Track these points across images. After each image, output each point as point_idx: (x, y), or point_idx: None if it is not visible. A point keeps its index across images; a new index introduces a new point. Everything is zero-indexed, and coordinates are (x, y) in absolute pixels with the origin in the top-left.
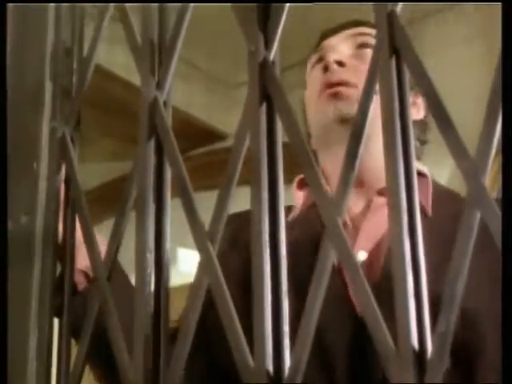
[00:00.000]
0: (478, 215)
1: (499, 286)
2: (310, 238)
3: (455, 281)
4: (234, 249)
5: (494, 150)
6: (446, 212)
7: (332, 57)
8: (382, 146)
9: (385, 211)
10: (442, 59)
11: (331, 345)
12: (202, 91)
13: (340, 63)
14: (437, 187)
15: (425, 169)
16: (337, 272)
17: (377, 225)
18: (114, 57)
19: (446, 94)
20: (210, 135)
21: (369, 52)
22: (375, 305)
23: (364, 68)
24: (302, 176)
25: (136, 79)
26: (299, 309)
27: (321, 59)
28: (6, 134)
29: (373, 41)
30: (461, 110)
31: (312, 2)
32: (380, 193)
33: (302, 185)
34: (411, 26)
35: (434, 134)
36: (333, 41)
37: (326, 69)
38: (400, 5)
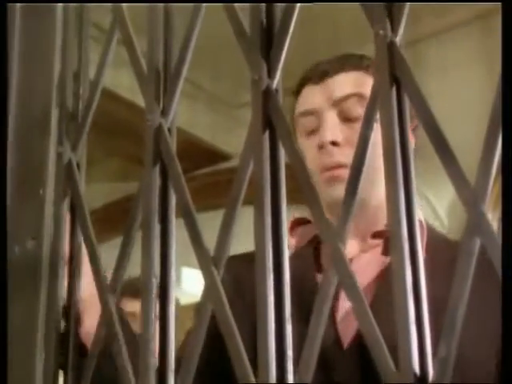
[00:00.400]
0: (478, 242)
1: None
2: (304, 275)
3: (456, 306)
4: (238, 294)
5: (493, 178)
6: (442, 257)
7: (327, 138)
8: (378, 191)
9: (377, 251)
10: (443, 81)
11: (323, 380)
12: (206, 112)
13: (335, 143)
14: (433, 234)
15: (419, 214)
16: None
17: (367, 263)
18: (119, 79)
19: (448, 115)
20: (214, 155)
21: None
22: (377, 328)
23: (355, 137)
24: (292, 219)
25: (140, 100)
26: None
27: (313, 126)
28: (7, 159)
29: (359, 90)
30: (462, 130)
31: (313, 2)
32: (374, 235)
33: (293, 227)
34: (413, 47)
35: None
36: (319, 96)
37: (321, 147)
38: (400, 35)
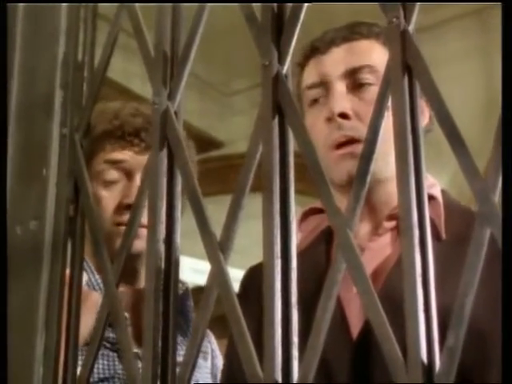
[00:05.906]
0: (488, 232)
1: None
2: (316, 279)
3: (464, 296)
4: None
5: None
6: (460, 233)
7: (336, 109)
8: (392, 170)
9: (390, 234)
10: (437, 75)
11: (330, 371)
12: (198, 99)
13: (344, 115)
14: (450, 206)
15: (435, 190)
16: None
17: (382, 246)
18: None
19: None
20: (205, 143)
21: (369, 87)
22: (384, 317)
23: (365, 108)
24: (305, 209)
25: (134, 85)
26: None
27: (321, 99)
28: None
29: (369, 60)
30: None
31: (316, 2)
32: (390, 218)
33: (305, 217)
34: None
35: (435, 141)
36: (327, 67)
37: (329, 119)
38: (413, 24)
